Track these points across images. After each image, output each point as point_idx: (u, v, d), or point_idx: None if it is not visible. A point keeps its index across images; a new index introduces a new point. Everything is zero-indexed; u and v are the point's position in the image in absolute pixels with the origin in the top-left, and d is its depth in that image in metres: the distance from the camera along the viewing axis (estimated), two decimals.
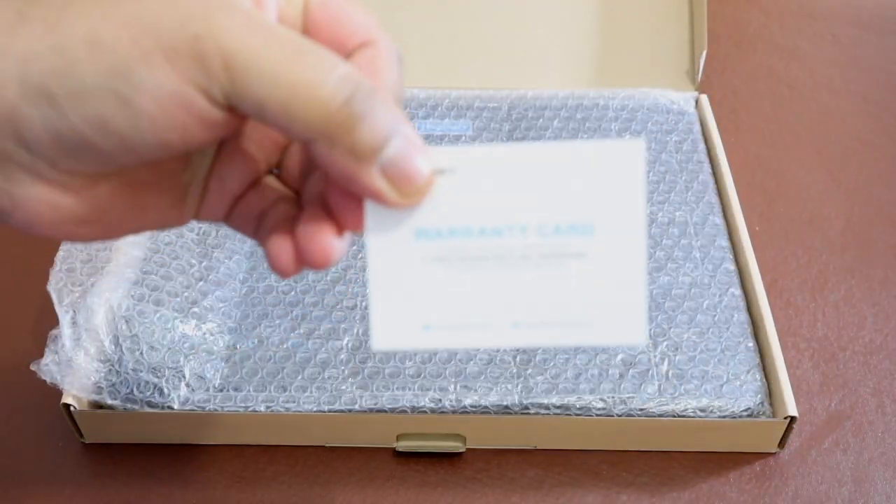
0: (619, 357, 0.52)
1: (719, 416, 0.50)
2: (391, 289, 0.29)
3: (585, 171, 0.28)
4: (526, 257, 0.28)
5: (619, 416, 0.50)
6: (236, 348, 0.53)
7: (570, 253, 0.28)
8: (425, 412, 0.50)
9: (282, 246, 0.29)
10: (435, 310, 0.29)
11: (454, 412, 0.50)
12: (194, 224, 0.58)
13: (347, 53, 0.29)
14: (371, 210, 0.28)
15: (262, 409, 0.50)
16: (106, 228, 0.29)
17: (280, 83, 0.25)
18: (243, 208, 0.31)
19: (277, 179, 0.32)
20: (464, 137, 0.66)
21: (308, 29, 0.29)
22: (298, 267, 0.29)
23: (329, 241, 0.28)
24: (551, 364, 0.52)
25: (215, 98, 0.25)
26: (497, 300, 0.29)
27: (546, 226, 0.28)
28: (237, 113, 0.26)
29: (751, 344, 0.53)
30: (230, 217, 0.31)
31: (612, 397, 0.50)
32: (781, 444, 0.51)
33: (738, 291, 0.56)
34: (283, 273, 0.29)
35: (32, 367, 0.50)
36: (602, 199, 0.28)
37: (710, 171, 0.63)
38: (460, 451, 0.51)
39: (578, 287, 0.28)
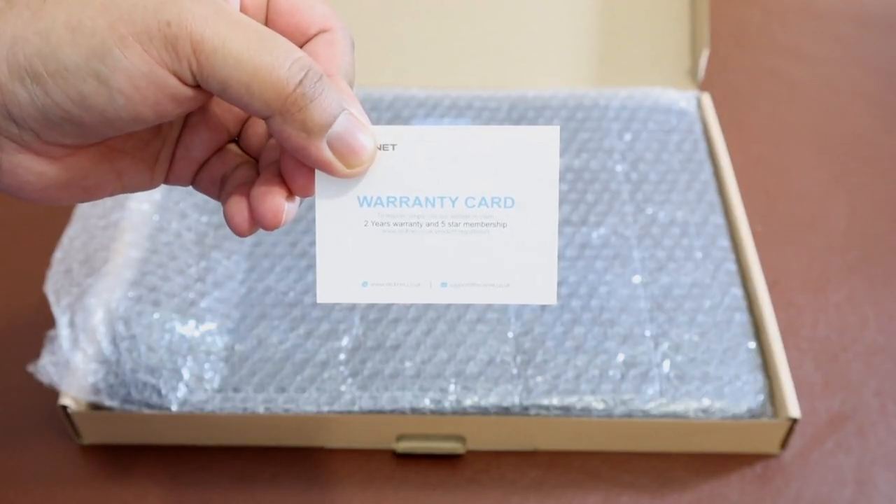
0: (620, 358, 0.52)
1: (720, 418, 0.50)
2: (335, 249, 0.33)
3: (509, 152, 0.32)
4: (454, 225, 0.32)
5: (620, 417, 0.50)
6: (235, 349, 0.52)
7: (492, 223, 0.32)
8: (425, 413, 0.50)
9: (238, 206, 0.32)
10: (373, 269, 0.33)
11: (454, 413, 0.50)
12: (192, 225, 0.58)
13: (307, 39, 0.32)
14: (320, 179, 0.31)
15: (261, 410, 0.50)
16: (85, 191, 0.32)
17: (243, 66, 0.28)
18: (207, 173, 0.34)
19: (238, 147, 0.35)
20: None
21: (271, 16, 0.32)
22: (252, 227, 0.32)
23: (279, 203, 0.31)
24: (551, 365, 0.51)
25: (184, 78, 0.28)
26: (428, 262, 0.33)
27: (473, 198, 0.32)
28: (204, 91, 0.29)
29: (752, 345, 0.53)
30: (196, 181, 0.35)
31: (613, 398, 0.50)
32: (783, 445, 0.51)
33: (739, 292, 0.55)
34: (238, 232, 0.32)
35: (30, 369, 0.50)
36: (522, 176, 0.32)
37: (711, 170, 0.63)
38: (460, 452, 0.50)
39: (499, 252, 0.33)
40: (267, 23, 0.32)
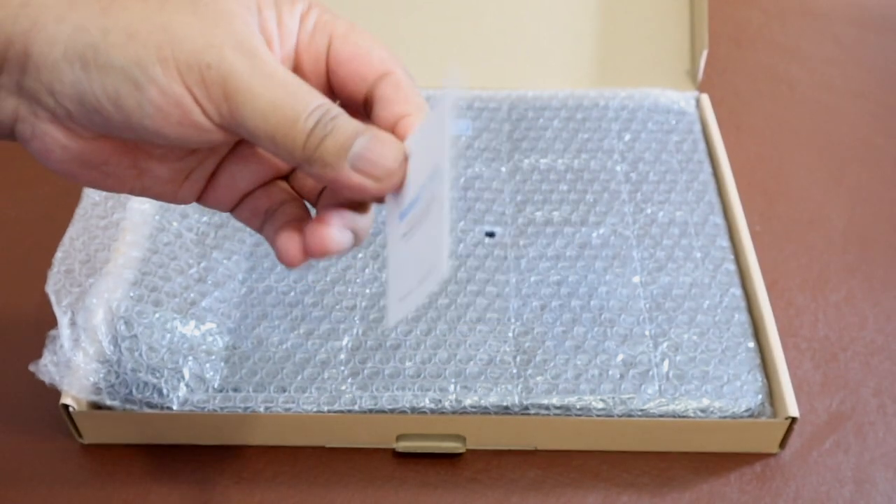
0: (620, 357, 0.52)
1: (720, 417, 0.50)
2: (399, 268, 0.34)
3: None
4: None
5: (620, 416, 0.50)
6: (235, 349, 0.52)
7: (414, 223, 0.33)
8: (425, 413, 0.50)
9: (291, 240, 0.34)
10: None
11: (454, 413, 0.50)
12: (193, 225, 0.58)
13: (369, 84, 0.34)
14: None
15: (262, 409, 0.50)
16: (104, 178, 0.33)
17: (268, 121, 0.30)
18: (251, 204, 0.36)
19: (287, 184, 0.37)
20: (463, 138, 0.66)
21: (331, 66, 0.34)
22: (304, 259, 0.34)
23: (333, 233, 0.34)
24: (551, 364, 0.51)
25: (211, 116, 0.30)
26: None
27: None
28: (229, 131, 0.31)
29: (751, 344, 0.53)
30: (237, 210, 0.36)
31: (613, 398, 0.50)
32: (782, 444, 0.51)
33: (738, 292, 0.56)
34: (290, 264, 0.34)
35: (31, 368, 0.50)
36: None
37: (710, 170, 0.63)
38: (460, 451, 0.50)
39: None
40: (328, 73, 0.34)
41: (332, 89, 0.35)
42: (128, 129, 0.31)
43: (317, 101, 0.31)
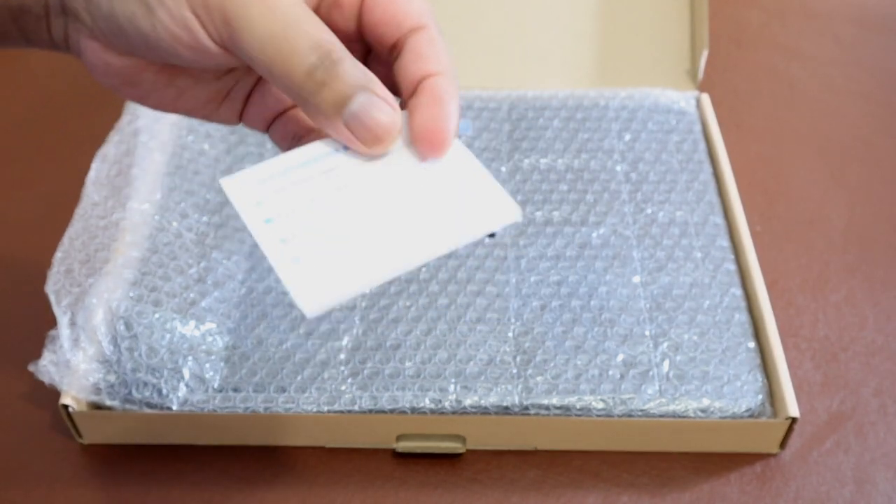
0: (620, 357, 0.52)
1: (720, 417, 0.50)
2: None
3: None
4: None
5: (620, 416, 0.50)
6: (235, 349, 0.52)
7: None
8: (425, 413, 0.50)
9: None
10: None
11: (454, 413, 0.50)
12: (193, 225, 0.58)
13: (402, 33, 0.33)
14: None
15: (262, 409, 0.50)
16: (146, 95, 0.35)
17: (265, 51, 0.30)
18: (282, 126, 0.37)
19: None
20: (463, 137, 0.66)
21: (367, 4, 0.34)
22: None
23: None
24: (551, 364, 0.51)
25: (215, 40, 0.31)
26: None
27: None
28: (237, 57, 0.32)
29: (752, 344, 0.53)
30: (269, 131, 0.37)
31: (613, 398, 0.50)
32: (782, 444, 0.51)
33: (738, 292, 0.55)
34: None
35: (31, 368, 0.50)
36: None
37: (710, 170, 0.63)
38: (460, 451, 0.50)
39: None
40: (362, 10, 0.34)
41: (361, 28, 0.34)
42: (148, 51, 0.32)
43: (317, 39, 0.31)
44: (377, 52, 0.35)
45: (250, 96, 0.36)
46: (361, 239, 0.32)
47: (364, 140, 0.32)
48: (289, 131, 0.36)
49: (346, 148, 0.33)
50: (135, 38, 0.31)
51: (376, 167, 0.33)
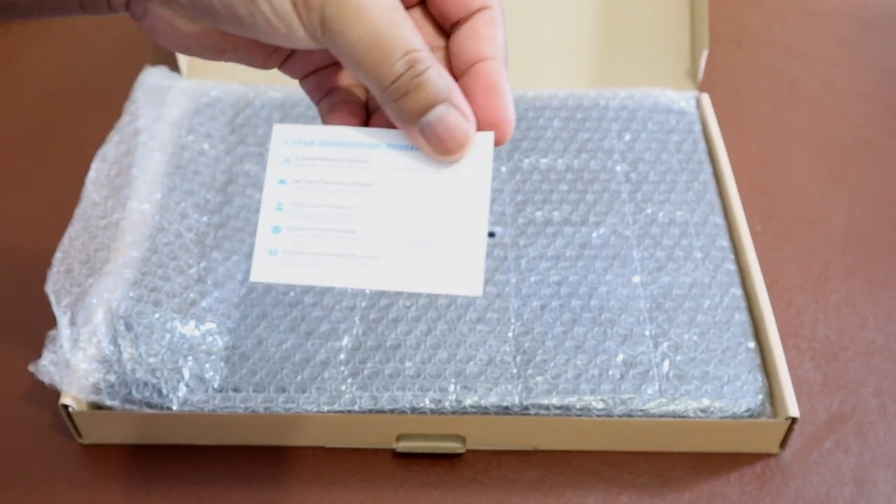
0: (620, 357, 0.52)
1: (720, 417, 0.50)
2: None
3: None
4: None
5: (620, 416, 0.50)
6: (235, 349, 0.52)
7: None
8: (425, 413, 0.50)
9: (339, 121, 0.35)
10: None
11: (454, 413, 0.50)
12: (193, 225, 0.58)
13: (468, 13, 0.34)
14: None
15: (261, 409, 0.50)
16: (203, 51, 0.35)
17: (355, 54, 0.31)
18: (319, 78, 0.37)
19: None
20: None
21: None
22: None
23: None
24: (551, 364, 0.51)
25: (312, 36, 0.32)
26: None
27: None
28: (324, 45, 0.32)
29: (752, 344, 0.53)
30: (305, 80, 0.38)
31: (613, 398, 0.50)
32: (782, 444, 0.51)
33: (738, 292, 0.55)
34: None
35: (31, 368, 0.50)
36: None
37: (710, 170, 0.63)
38: (460, 451, 0.50)
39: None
40: None
41: (428, 1, 0.35)
42: (235, 28, 0.32)
43: (405, 48, 0.32)
44: (437, 25, 0.35)
45: (295, 50, 0.37)
46: (339, 246, 0.34)
47: (436, 149, 0.33)
48: (323, 85, 0.37)
49: (385, 146, 0.35)
50: (224, 18, 0.32)
51: (397, 179, 0.34)
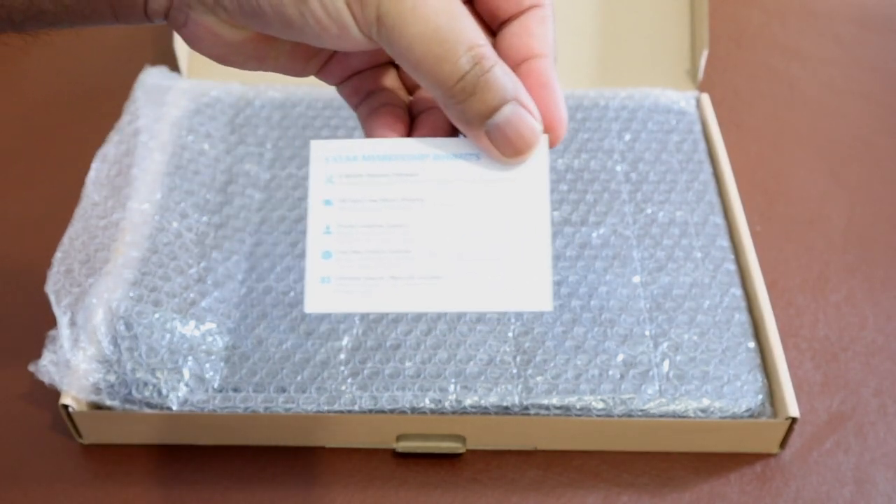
0: (620, 357, 0.52)
1: (720, 417, 0.50)
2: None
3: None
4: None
5: (620, 416, 0.50)
6: (235, 349, 0.52)
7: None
8: (425, 413, 0.50)
9: (379, 127, 0.34)
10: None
11: (454, 413, 0.50)
12: (193, 225, 0.58)
13: (521, 10, 0.33)
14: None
15: (261, 409, 0.50)
16: (244, 61, 0.34)
17: (413, 52, 0.30)
18: (357, 82, 0.36)
19: (396, 72, 0.37)
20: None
21: None
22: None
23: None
24: (551, 365, 0.51)
25: (366, 33, 0.30)
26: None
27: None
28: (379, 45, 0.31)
29: (752, 344, 0.53)
30: (342, 85, 0.36)
31: (613, 398, 0.50)
32: (782, 444, 0.51)
33: (738, 292, 0.55)
34: None
35: (31, 368, 0.50)
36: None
37: (710, 170, 0.63)
38: (460, 451, 0.50)
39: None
40: None
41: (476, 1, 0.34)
42: (283, 32, 0.31)
43: (469, 44, 0.30)
44: (486, 22, 0.34)
45: (335, 54, 0.36)
46: (395, 268, 0.32)
47: (504, 151, 0.32)
48: (362, 88, 0.36)
49: (433, 157, 0.33)
50: (273, 20, 0.31)
51: (449, 191, 0.33)
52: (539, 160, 0.32)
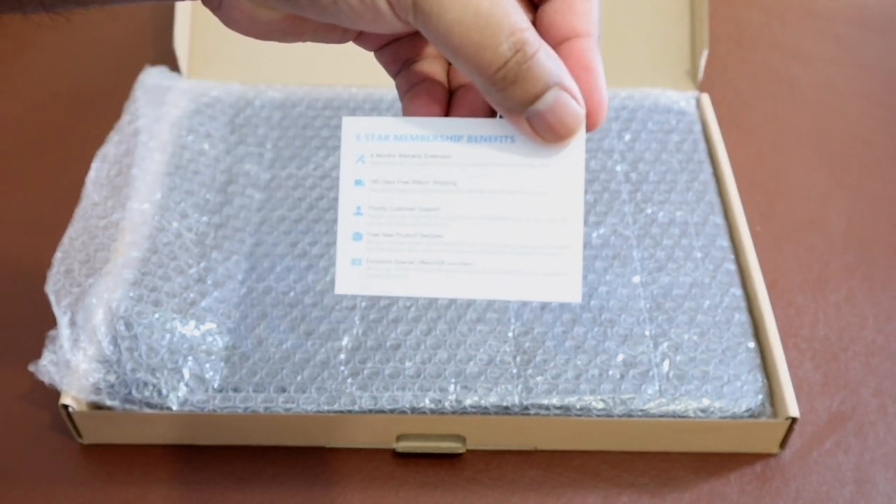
0: (620, 357, 0.52)
1: (720, 417, 0.50)
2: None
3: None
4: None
5: (620, 416, 0.50)
6: (235, 349, 0.52)
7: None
8: (425, 413, 0.50)
9: (419, 105, 0.34)
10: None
11: (454, 413, 0.50)
12: (193, 225, 0.58)
13: None
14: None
15: (261, 409, 0.50)
16: (282, 36, 0.33)
17: (452, 38, 0.29)
18: (396, 48, 0.35)
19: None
20: None
21: None
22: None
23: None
24: (551, 364, 0.51)
25: (401, 19, 0.30)
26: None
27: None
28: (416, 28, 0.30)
29: (752, 344, 0.53)
30: (380, 52, 0.35)
31: (613, 398, 0.50)
32: (782, 444, 0.51)
33: (738, 292, 0.55)
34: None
35: (31, 368, 0.50)
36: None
37: (710, 170, 0.63)
38: (460, 451, 0.50)
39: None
40: None
41: None
42: (320, 17, 0.31)
43: (511, 29, 0.29)
44: None
45: None
46: (425, 252, 0.32)
47: (545, 137, 0.31)
48: (401, 56, 0.35)
49: (467, 139, 0.32)
50: (308, 9, 0.30)
51: (482, 175, 0.32)
52: (576, 146, 0.31)
